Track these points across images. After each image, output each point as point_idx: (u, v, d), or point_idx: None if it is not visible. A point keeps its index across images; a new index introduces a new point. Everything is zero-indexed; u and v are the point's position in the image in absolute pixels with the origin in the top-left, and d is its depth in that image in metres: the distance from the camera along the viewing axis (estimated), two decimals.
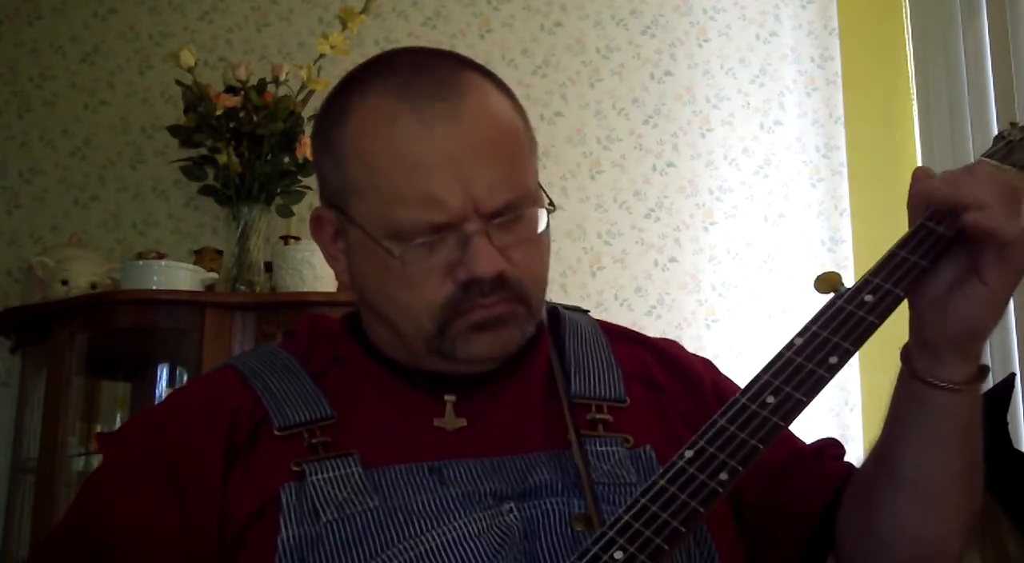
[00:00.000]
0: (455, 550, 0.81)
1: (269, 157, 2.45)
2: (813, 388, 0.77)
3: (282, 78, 2.50)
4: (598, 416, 0.92)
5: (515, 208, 0.88)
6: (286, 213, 2.51)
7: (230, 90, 2.46)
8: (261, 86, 2.48)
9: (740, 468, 0.74)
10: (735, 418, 0.76)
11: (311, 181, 2.38)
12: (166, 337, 2.43)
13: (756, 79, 3.00)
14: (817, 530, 0.91)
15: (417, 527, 0.83)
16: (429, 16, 2.95)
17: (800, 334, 0.80)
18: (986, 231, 0.78)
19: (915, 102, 2.67)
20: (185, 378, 2.48)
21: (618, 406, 0.94)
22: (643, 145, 2.94)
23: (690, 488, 0.73)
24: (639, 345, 1.03)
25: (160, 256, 2.46)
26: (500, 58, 2.93)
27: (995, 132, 0.94)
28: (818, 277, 0.83)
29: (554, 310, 1.03)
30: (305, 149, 2.42)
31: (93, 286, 2.42)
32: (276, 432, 0.89)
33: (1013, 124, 0.91)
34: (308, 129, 2.39)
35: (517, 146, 0.90)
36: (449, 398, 0.92)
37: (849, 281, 0.82)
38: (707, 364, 1.04)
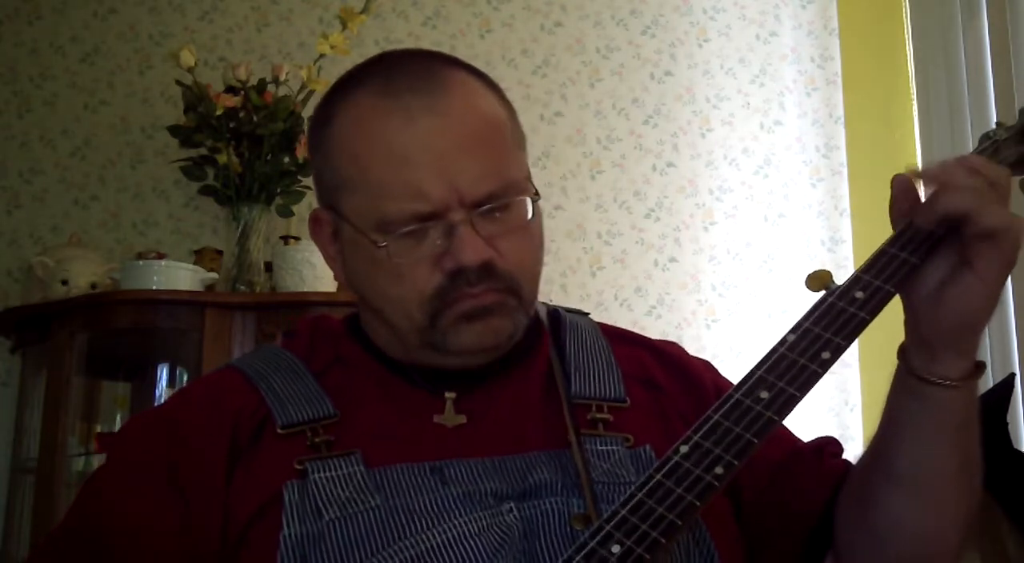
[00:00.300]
0: (455, 549, 0.82)
1: (269, 157, 2.45)
2: (806, 383, 0.78)
3: (282, 78, 2.50)
4: (598, 416, 0.93)
5: (499, 197, 0.89)
6: (286, 213, 2.51)
7: (230, 90, 2.46)
8: (261, 86, 2.48)
9: (735, 462, 0.75)
10: (729, 413, 0.77)
11: (311, 181, 2.38)
12: (166, 337, 2.43)
13: (756, 79, 3.01)
14: (816, 528, 0.92)
15: (418, 526, 0.83)
16: (429, 16, 2.95)
17: (793, 331, 0.81)
18: (980, 231, 0.79)
19: (915, 102, 2.67)
20: (185, 378, 2.48)
21: (618, 406, 0.94)
22: (643, 145, 2.94)
23: (686, 482, 0.74)
24: (639, 346, 1.04)
25: (160, 256, 2.46)
26: (500, 58, 2.93)
27: None
28: (809, 275, 0.84)
29: (555, 312, 1.04)
30: (305, 149, 2.42)
31: (93, 286, 2.42)
32: (279, 430, 0.89)
33: (1000, 124, 0.92)
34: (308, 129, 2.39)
35: (501, 138, 0.92)
36: (449, 395, 0.93)
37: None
38: (707, 365, 1.05)
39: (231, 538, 0.86)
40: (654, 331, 2.72)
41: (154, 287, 2.31)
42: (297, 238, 2.49)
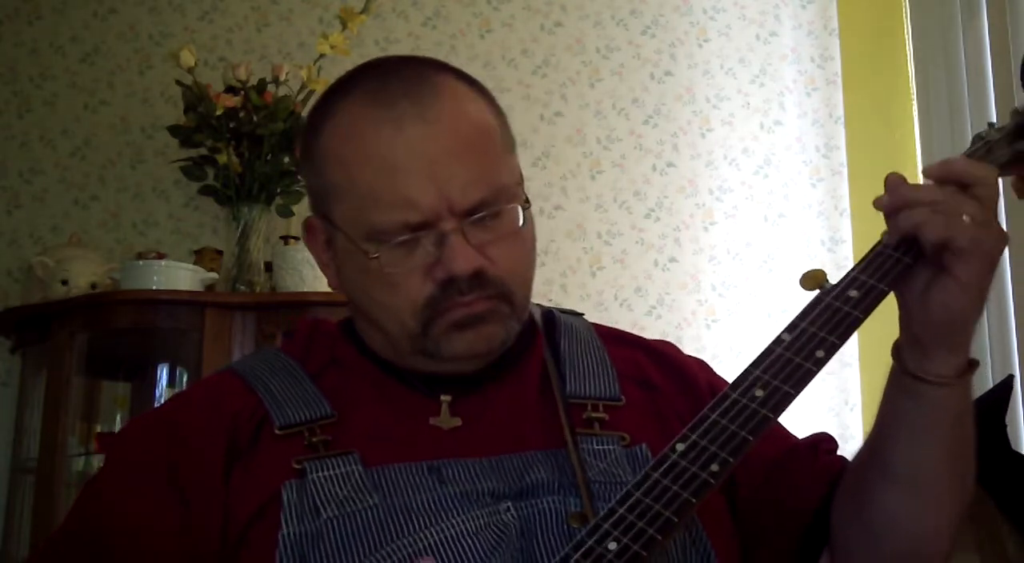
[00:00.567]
0: (452, 547, 0.82)
1: (269, 157, 2.45)
2: (801, 381, 0.79)
3: (282, 78, 2.50)
4: (594, 415, 0.93)
5: (490, 205, 0.89)
6: (286, 213, 2.51)
7: (230, 90, 2.46)
8: (261, 86, 2.48)
9: (731, 459, 0.75)
10: (725, 412, 0.78)
11: None
12: (166, 337, 2.43)
13: (756, 79, 3.01)
14: (812, 525, 0.92)
15: (415, 524, 0.84)
16: (429, 16, 2.95)
17: (788, 330, 0.82)
18: (937, 245, 0.80)
19: (915, 102, 2.66)
20: (185, 378, 2.48)
21: (613, 405, 0.95)
22: (643, 145, 2.94)
23: (682, 480, 0.75)
24: (634, 346, 1.04)
25: (160, 256, 2.46)
26: (500, 58, 2.93)
27: None
28: (804, 274, 0.85)
29: (549, 313, 1.05)
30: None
31: (93, 286, 2.42)
32: (277, 431, 0.90)
33: (991, 124, 0.93)
34: None
35: (491, 144, 0.92)
36: (445, 398, 0.93)
37: None
38: (702, 365, 1.06)
39: (231, 538, 0.86)
40: (654, 331, 2.72)
41: (154, 287, 2.32)
42: (297, 238, 2.49)
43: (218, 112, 2.40)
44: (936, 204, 0.81)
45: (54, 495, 2.23)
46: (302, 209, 2.48)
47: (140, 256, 2.48)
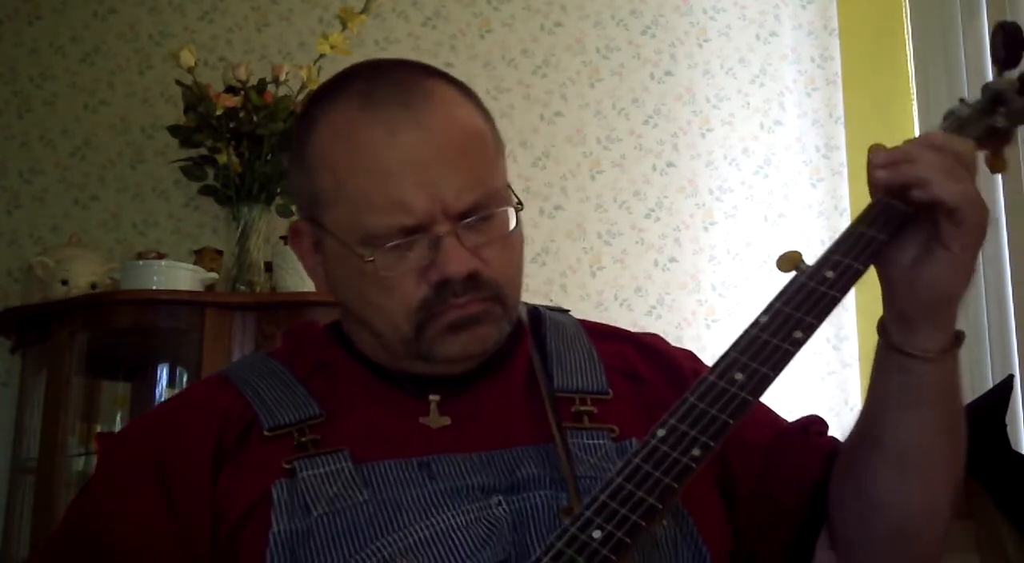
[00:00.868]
0: (443, 541, 0.82)
1: (269, 157, 2.45)
2: (779, 363, 0.79)
3: (282, 78, 2.50)
4: (582, 408, 0.94)
5: (483, 208, 0.89)
6: (286, 213, 2.51)
7: (230, 90, 2.46)
8: (261, 86, 2.48)
9: (712, 443, 0.75)
10: (705, 395, 0.78)
11: None
12: (166, 337, 2.43)
13: (756, 79, 3.01)
14: (808, 507, 0.92)
15: (406, 519, 0.84)
16: (429, 16, 2.95)
17: (765, 312, 0.82)
18: (932, 203, 0.80)
19: (915, 102, 2.66)
20: (185, 378, 2.48)
21: (601, 398, 0.95)
22: (643, 145, 2.94)
23: (664, 465, 0.75)
24: (621, 340, 1.05)
25: (160, 256, 2.46)
26: (500, 58, 2.93)
27: None
28: (780, 256, 0.85)
29: (535, 310, 1.05)
30: None
31: (93, 286, 2.42)
32: (266, 433, 0.90)
33: (962, 100, 0.93)
34: None
35: (482, 148, 0.92)
36: (433, 398, 0.94)
37: None
38: (689, 355, 1.06)
39: (222, 539, 0.87)
40: (654, 331, 2.71)
41: (154, 287, 2.32)
42: None
43: (218, 112, 2.41)
44: (932, 163, 0.81)
45: (54, 495, 2.23)
46: None
47: (140, 256, 2.48)
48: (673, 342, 1.09)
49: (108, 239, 2.75)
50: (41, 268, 2.43)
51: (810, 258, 0.84)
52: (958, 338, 0.84)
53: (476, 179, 0.89)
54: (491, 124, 0.96)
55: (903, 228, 0.83)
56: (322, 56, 2.47)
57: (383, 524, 0.84)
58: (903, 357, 0.83)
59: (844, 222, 2.90)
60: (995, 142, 0.91)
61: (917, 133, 2.63)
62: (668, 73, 2.99)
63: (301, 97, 2.47)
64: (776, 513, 0.94)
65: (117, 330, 2.36)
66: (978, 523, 1.10)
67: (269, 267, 2.50)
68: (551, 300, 2.34)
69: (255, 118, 2.43)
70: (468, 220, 0.88)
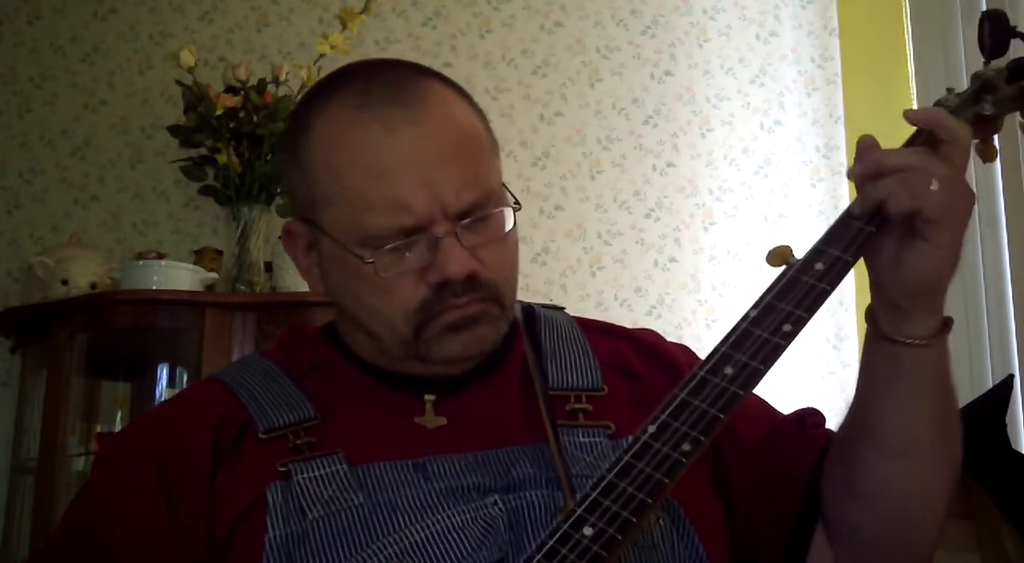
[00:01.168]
0: (440, 542, 0.82)
1: (269, 157, 2.45)
2: (770, 356, 0.79)
3: (282, 78, 2.50)
4: (577, 406, 0.94)
5: (481, 208, 0.89)
6: (286, 213, 2.50)
7: (230, 90, 2.46)
8: (261, 86, 2.48)
9: (702, 438, 0.76)
10: (695, 391, 0.78)
11: None
12: (166, 337, 2.43)
13: (756, 79, 3.00)
14: (804, 499, 0.92)
15: (402, 521, 0.84)
16: (429, 16, 2.95)
17: (755, 306, 0.83)
18: (906, 216, 0.80)
19: (915, 102, 2.66)
20: (185, 378, 2.48)
21: (596, 395, 0.95)
22: (643, 145, 2.94)
23: (654, 461, 0.75)
24: (615, 336, 1.05)
25: (160, 256, 2.46)
26: (500, 58, 2.93)
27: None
28: (770, 251, 0.85)
29: (529, 308, 1.05)
30: None
31: (93, 286, 2.42)
32: (261, 435, 0.90)
33: (950, 90, 0.93)
34: None
35: (479, 147, 0.92)
36: (429, 398, 0.94)
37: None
38: (684, 349, 1.06)
39: (218, 541, 0.86)
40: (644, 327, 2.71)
41: (154, 287, 2.31)
42: None
43: (218, 112, 2.41)
44: (906, 170, 0.80)
45: (54, 495, 2.23)
46: None
47: (140, 256, 2.48)
48: (664, 337, 1.08)
49: (108, 239, 2.75)
50: (41, 268, 2.43)
51: (803, 253, 0.84)
52: (946, 324, 0.84)
53: (474, 178, 0.89)
54: (486, 123, 0.96)
55: (889, 220, 0.83)
56: (322, 56, 2.47)
57: (379, 527, 0.84)
58: (892, 345, 0.83)
59: None
60: (984, 129, 0.91)
61: None
62: (668, 73, 2.99)
63: (301, 97, 2.46)
64: (772, 507, 0.94)
65: (117, 330, 2.36)
66: (978, 523, 1.10)
67: (269, 267, 2.50)
68: (551, 300, 2.34)
69: (255, 118, 2.44)
70: (466, 220, 0.88)
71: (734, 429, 0.93)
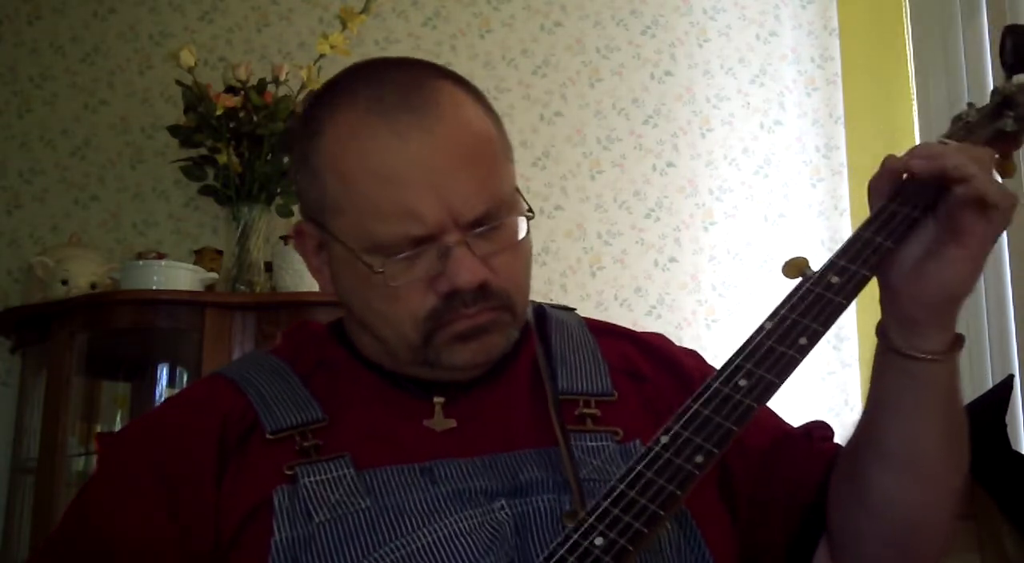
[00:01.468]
0: (446, 547, 0.82)
1: (269, 157, 2.45)
2: (785, 369, 0.78)
3: (282, 78, 2.50)
4: (586, 411, 0.93)
5: (494, 217, 0.88)
6: (286, 213, 2.51)
7: (230, 90, 2.46)
8: (261, 86, 2.48)
9: (715, 450, 0.75)
10: (709, 402, 0.77)
11: None
12: (166, 337, 2.43)
13: (756, 79, 3.00)
14: (809, 510, 0.92)
15: (409, 525, 0.83)
16: (429, 16, 2.95)
17: (770, 318, 0.82)
18: (976, 197, 0.79)
19: (915, 102, 2.66)
20: (185, 378, 2.48)
21: (606, 400, 0.94)
22: (643, 145, 2.94)
23: (667, 472, 0.74)
24: (624, 339, 1.04)
25: (160, 256, 2.46)
26: (500, 58, 2.93)
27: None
28: (786, 263, 0.84)
29: (540, 308, 1.04)
30: None
31: (93, 286, 2.42)
32: (268, 435, 0.89)
33: (970, 104, 0.93)
34: None
35: (492, 153, 0.90)
36: (438, 400, 0.93)
37: None
38: (693, 355, 1.05)
39: (223, 542, 0.86)
40: (654, 331, 2.71)
41: (154, 287, 2.31)
42: None
43: (218, 112, 2.40)
44: (980, 164, 0.81)
45: (54, 495, 2.23)
46: None
47: (140, 256, 2.48)
48: (673, 342, 1.08)
49: (108, 239, 2.75)
50: (41, 268, 2.43)
51: (815, 261, 0.84)
52: (958, 340, 0.84)
53: (486, 186, 0.87)
54: (499, 126, 0.94)
55: (908, 232, 0.83)
56: (322, 56, 2.47)
57: (386, 531, 0.83)
58: (905, 360, 0.83)
59: (844, 222, 2.90)
60: (1004, 145, 0.91)
61: (917, 132, 2.63)
62: (668, 73, 2.99)
63: (301, 97, 2.47)
64: (774, 508, 0.94)
65: (117, 330, 2.36)
66: (979, 523, 1.10)
67: (269, 267, 2.49)
68: (551, 300, 2.35)
69: (255, 118, 2.43)
70: (479, 229, 0.87)
71: (741, 439, 0.93)
